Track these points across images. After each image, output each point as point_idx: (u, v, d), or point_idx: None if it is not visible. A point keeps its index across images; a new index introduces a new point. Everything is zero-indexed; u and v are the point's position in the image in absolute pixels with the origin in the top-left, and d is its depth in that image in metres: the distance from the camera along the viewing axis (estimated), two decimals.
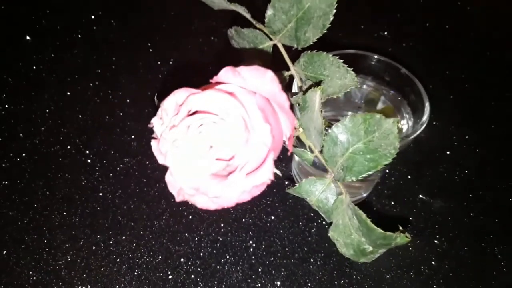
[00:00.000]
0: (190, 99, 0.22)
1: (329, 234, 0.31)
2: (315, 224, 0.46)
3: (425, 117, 0.39)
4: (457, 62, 0.64)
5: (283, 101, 0.23)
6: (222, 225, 0.45)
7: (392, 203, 0.48)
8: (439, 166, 0.51)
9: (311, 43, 0.33)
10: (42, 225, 0.44)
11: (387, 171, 0.50)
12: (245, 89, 0.22)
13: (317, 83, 0.31)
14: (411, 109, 0.43)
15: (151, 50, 0.62)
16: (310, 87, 0.30)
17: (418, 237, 0.45)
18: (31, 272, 0.41)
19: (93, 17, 0.67)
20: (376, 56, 0.43)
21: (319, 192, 0.31)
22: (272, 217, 0.46)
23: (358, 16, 0.69)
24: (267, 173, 0.22)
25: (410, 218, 0.47)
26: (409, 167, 0.51)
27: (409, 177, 0.50)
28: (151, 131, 0.26)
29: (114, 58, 0.61)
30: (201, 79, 0.27)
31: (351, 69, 0.31)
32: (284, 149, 0.31)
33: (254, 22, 0.34)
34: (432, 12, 0.72)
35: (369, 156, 0.28)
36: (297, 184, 0.31)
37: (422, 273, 0.43)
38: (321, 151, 0.30)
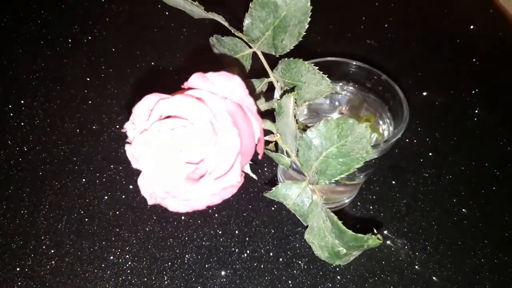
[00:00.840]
0: (160, 104, 0.22)
1: (305, 237, 0.31)
2: (299, 229, 0.46)
3: (404, 124, 0.39)
4: (441, 67, 0.65)
5: (251, 106, 0.23)
6: (206, 230, 0.46)
7: (376, 207, 0.48)
8: (423, 171, 0.52)
9: (288, 50, 0.34)
10: (28, 231, 0.45)
11: (372, 176, 0.51)
12: (215, 94, 0.23)
13: (291, 89, 0.31)
14: (391, 114, 0.43)
15: (140, 59, 0.63)
16: (284, 92, 0.31)
17: (402, 242, 0.46)
18: (16, 278, 0.42)
19: (78, 28, 0.68)
20: (357, 63, 0.44)
21: (295, 195, 0.31)
22: (257, 222, 0.47)
23: (344, 23, 0.70)
24: (235, 176, 0.22)
25: (394, 223, 0.47)
26: (394, 172, 0.52)
27: (393, 182, 0.51)
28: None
29: (103, 67, 0.62)
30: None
31: (327, 75, 0.32)
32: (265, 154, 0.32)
33: (233, 30, 0.35)
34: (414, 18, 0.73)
35: (342, 159, 0.28)
36: (273, 188, 0.32)
37: (405, 277, 0.43)
38: (297, 155, 0.31)
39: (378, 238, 0.27)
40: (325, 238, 0.29)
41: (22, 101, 0.57)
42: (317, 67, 0.32)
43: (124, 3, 0.71)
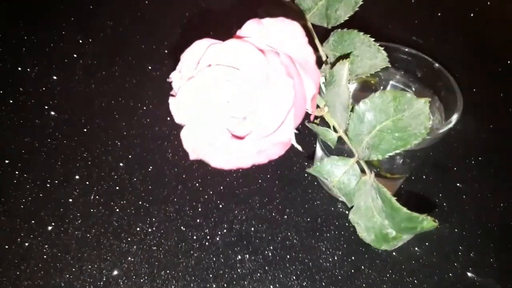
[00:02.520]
0: (210, 50, 0.21)
1: (349, 217, 0.29)
2: (335, 221, 0.44)
3: (457, 113, 0.37)
4: (491, 66, 0.62)
5: (309, 55, 0.21)
6: (237, 213, 0.44)
7: (416, 206, 0.45)
8: (468, 172, 0.49)
9: (342, 21, 0.32)
10: (57, 200, 0.44)
11: (413, 174, 0.48)
12: (269, 46, 0.21)
13: (346, 55, 0.29)
14: (443, 104, 0.41)
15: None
16: (337, 59, 0.29)
17: (429, 245, 0.43)
18: (41, 244, 0.41)
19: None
20: (408, 50, 0.42)
21: (341, 173, 0.29)
22: (291, 210, 0.45)
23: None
24: (287, 132, 0.21)
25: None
26: (437, 171, 0.49)
27: (436, 182, 0.48)
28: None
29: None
30: None
31: (383, 48, 0.30)
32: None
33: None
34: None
35: (398, 134, 0.26)
36: (318, 163, 0.30)
37: (446, 280, 0.40)
38: (345, 130, 0.29)
39: (434, 221, 0.24)
40: (373, 218, 0.26)
41: (62, 74, 0.57)
42: (373, 39, 0.30)
43: None
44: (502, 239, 0.43)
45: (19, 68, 0.57)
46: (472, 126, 0.54)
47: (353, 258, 0.41)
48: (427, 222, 0.24)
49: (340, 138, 0.30)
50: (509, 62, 0.62)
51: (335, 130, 0.30)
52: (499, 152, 0.51)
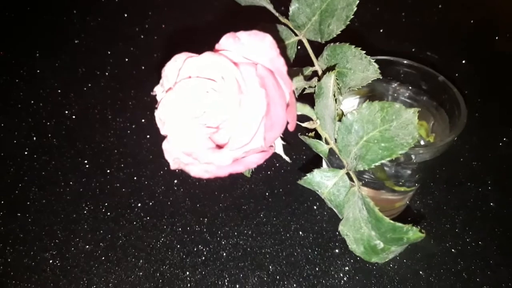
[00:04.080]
0: (188, 62, 0.22)
1: (339, 229, 0.29)
2: (341, 237, 0.43)
3: (460, 126, 0.36)
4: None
5: (281, 66, 0.22)
6: (242, 228, 0.44)
7: (428, 220, 0.44)
8: (483, 187, 0.47)
9: (335, 35, 0.32)
10: (70, 215, 0.46)
11: (425, 187, 0.47)
12: (246, 58, 0.22)
13: (332, 67, 0.30)
14: (449, 117, 0.40)
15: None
16: (324, 72, 0.29)
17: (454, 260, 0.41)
18: (53, 258, 0.42)
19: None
20: (411, 63, 0.42)
21: (332, 184, 0.29)
22: (296, 226, 0.44)
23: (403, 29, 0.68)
24: (259, 140, 0.21)
25: (448, 239, 0.43)
26: (451, 186, 0.48)
27: (449, 196, 0.47)
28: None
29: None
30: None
31: (374, 60, 0.30)
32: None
33: (279, 16, 0.34)
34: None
35: (384, 144, 0.26)
36: (307, 175, 0.30)
37: None
38: (335, 141, 0.29)
39: (421, 231, 0.24)
40: (361, 230, 0.26)
41: (72, 94, 0.59)
42: (364, 51, 0.30)
43: None
44: None
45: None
46: (486, 139, 0.52)
47: (360, 275, 0.41)
48: (413, 233, 0.23)
49: (332, 150, 0.30)
50: None
51: (327, 142, 0.30)
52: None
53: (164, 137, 0.24)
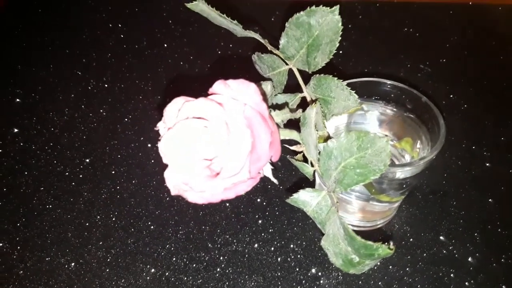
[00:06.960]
0: (185, 106, 0.25)
1: (321, 244, 0.32)
2: None
3: (439, 144, 0.40)
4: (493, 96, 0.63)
5: (263, 111, 0.26)
6: (241, 236, 0.48)
7: (413, 229, 0.48)
8: (468, 197, 0.51)
9: (320, 67, 0.36)
10: (82, 223, 0.50)
11: (410, 197, 0.51)
12: (235, 100, 0.25)
13: (314, 101, 0.33)
14: (430, 136, 0.43)
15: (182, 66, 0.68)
16: (308, 104, 0.33)
17: (437, 269, 0.45)
18: (68, 264, 0.46)
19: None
20: (395, 84, 0.45)
21: (315, 203, 0.33)
22: (290, 234, 0.48)
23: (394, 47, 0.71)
24: (244, 173, 0.25)
25: (418, 251, 0.46)
26: (436, 196, 0.51)
27: (435, 206, 0.50)
28: None
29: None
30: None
31: (354, 91, 0.34)
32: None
33: (270, 48, 0.37)
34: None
35: (359, 170, 0.30)
36: (294, 195, 0.34)
37: None
38: (318, 165, 0.32)
39: (390, 248, 0.27)
40: (339, 245, 0.30)
41: (83, 106, 0.63)
42: (345, 83, 0.34)
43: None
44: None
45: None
46: (471, 150, 0.55)
47: (348, 279, 0.44)
48: (382, 250, 0.27)
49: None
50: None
51: (312, 165, 0.34)
52: (498, 177, 0.53)
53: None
